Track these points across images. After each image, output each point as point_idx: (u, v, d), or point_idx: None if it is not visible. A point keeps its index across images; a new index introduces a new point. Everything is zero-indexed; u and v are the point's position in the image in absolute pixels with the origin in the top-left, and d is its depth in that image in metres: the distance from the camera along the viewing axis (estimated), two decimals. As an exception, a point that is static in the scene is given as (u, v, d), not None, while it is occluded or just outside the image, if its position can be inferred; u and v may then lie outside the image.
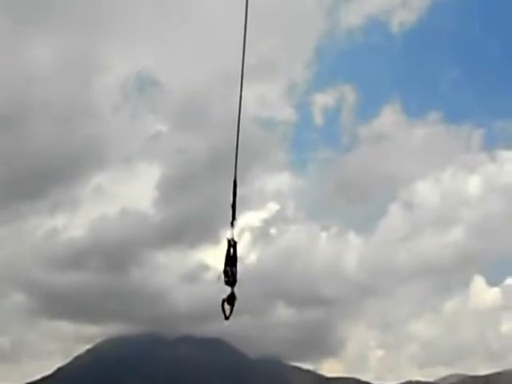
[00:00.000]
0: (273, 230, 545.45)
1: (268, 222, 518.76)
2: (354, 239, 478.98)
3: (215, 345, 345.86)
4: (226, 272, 28.18)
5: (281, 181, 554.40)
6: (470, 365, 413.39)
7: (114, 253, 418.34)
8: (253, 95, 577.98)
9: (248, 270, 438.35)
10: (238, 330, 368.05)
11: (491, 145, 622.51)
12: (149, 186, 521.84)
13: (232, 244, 27.96)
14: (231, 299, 28.30)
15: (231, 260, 28.11)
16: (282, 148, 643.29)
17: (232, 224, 27.63)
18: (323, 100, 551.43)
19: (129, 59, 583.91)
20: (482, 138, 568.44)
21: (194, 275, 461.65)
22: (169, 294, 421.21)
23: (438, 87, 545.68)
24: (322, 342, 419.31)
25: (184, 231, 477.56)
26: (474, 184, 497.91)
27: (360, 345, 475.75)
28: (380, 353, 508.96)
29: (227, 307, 28.58)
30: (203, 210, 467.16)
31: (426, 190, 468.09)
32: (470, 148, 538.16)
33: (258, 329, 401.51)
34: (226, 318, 28.40)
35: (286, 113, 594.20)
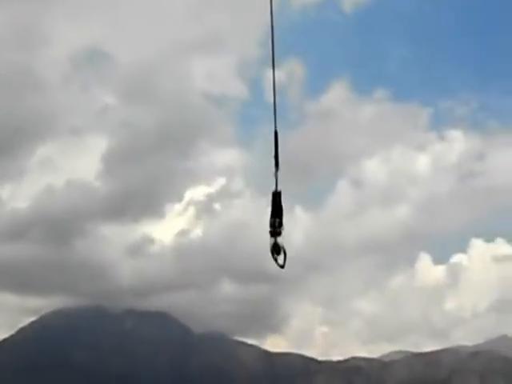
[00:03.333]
0: (219, 205, 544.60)
1: (214, 197, 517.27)
2: (301, 215, 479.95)
3: (160, 318, 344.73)
4: (272, 223, 27.10)
5: (229, 156, 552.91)
6: (414, 342, 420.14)
7: (59, 225, 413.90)
8: (204, 71, 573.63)
9: (193, 244, 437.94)
10: (183, 304, 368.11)
11: (438, 124, 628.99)
12: (95, 158, 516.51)
13: (276, 195, 27.26)
14: (276, 249, 26.91)
15: (276, 211, 27.23)
16: (232, 123, 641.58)
17: (275, 175, 26.91)
18: (275, 75, 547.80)
19: (78, 31, 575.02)
20: (430, 116, 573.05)
21: (139, 248, 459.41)
22: (114, 267, 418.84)
23: (386, 65, 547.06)
24: (266, 317, 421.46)
25: (129, 204, 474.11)
26: (421, 162, 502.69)
27: (305, 321, 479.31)
28: (324, 329, 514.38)
29: (278, 256, 27.24)
30: (149, 183, 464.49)
31: (373, 168, 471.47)
32: (417, 126, 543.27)
33: (203, 303, 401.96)
34: (281, 266, 26.99)
35: (237, 89, 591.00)
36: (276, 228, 27.10)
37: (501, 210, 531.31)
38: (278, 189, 27.11)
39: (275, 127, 27.54)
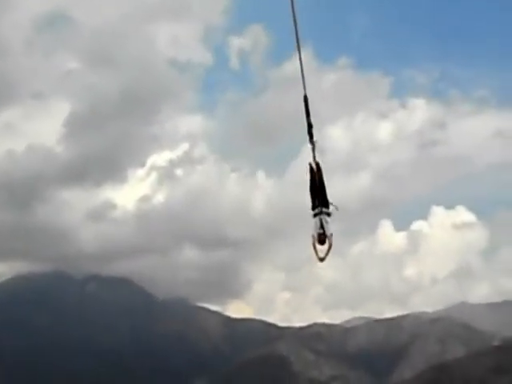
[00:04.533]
0: (181, 170, 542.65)
1: (176, 162, 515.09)
2: (263, 181, 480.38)
3: (122, 284, 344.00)
4: (314, 204, 23.92)
5: (193, 122, 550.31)
6: (375, 308, 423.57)
7: (20, 190, 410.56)
8: (168, 37, 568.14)
9: (155, 209, 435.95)
10: (145, 269, 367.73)
11: (400, 92, 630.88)
12: (57, 123, 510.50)
13: (315, 168, 23.91)
14: (321, 238, 23.94)
15: (317, 188, 23.88)
16: (196, 90, 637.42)
17: (311, 143, 24.06)
18: (238, 43, 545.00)
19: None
20: (392, 85, 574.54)
21: (101, 214, 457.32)
22: (75, 232, 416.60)
23: (349, 35, 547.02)
24: (229, 283, 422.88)
25: (91, 169, 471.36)
26: (383, 130, 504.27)
27: (266, 287, 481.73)
28: (286, 295, 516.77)
29: (320, 248, 24.29)
30: (111, 148, 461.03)
31: (336, 135, 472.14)
32: (379, 95, 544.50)
33: (166, 269, 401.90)
34: (321, 259, 24.14)
35: (201, 55, 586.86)
36: (321, 210, 23.83)
37: (461, 178, 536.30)
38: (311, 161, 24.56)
39: (305, 91, 24.56)
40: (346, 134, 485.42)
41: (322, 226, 23.74)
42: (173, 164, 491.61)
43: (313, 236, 23.89)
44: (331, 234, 23.71)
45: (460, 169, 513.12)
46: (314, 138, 23.84)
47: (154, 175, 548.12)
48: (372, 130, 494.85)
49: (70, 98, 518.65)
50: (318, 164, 23.90)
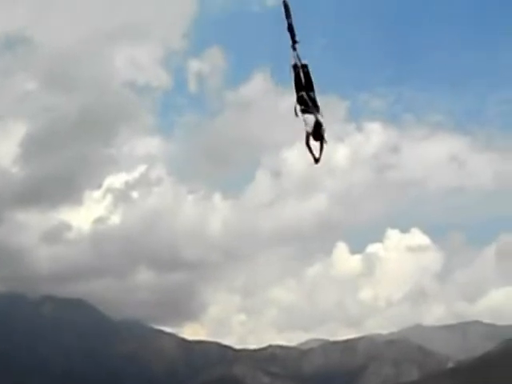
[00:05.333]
0: (137, 192, 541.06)
1: (132, 184, 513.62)
2: (220, 203, 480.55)
3: (77, 305, 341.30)
4: (301, 98, 22.15)
5: (151, 144, 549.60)
6: (330, 330, 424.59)
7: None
8: (127, 59, 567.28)
9: (111, 231, 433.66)
10: (100, 291, 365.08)
11: (356, 116, 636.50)
12: (14, 143, 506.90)
13: (299, 67, 22.25)
14: (317, 130, 22.19)
15: (304, 85, 22.20)
16: (155, 112, 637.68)
17: (294, 47, 22.29)
18: (197, 66, 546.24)
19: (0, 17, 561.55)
20: (348, 109, 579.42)
21: (56, 235, 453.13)
22: (31, 253, 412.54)
23: (306, 58, 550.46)
24: (184, 305, 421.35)
25: (47, 190, 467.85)
26: (339, 154, 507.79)
27: (222, 309, 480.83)
28: (242, 317, 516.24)
29: (314, 144, 22.68)
30: (68, 169, 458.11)
31: (292, 158, 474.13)
32: (336, 118, 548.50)
33: (121, 291, 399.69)
34: (316, 160, 22.56)
35: (161, 78, 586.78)
36: (311, 105, 22.26)
37: (416, 202, 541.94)
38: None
39: None
40: (303, 158, 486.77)
41: (317, 120, 22.18)
42: (129, 186, 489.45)
43: (307, 132, 22.48)
44: (324, 134, 22.43)
45: (414, 192, 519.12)
46: (297, 42, 22.31)
47: (109, 197, 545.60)
48: (328, 153, 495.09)
49: (27, 118, 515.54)
50: (303, 64, 22.35)
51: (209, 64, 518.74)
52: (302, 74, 22.64)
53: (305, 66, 22.63)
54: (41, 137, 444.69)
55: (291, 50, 22.56)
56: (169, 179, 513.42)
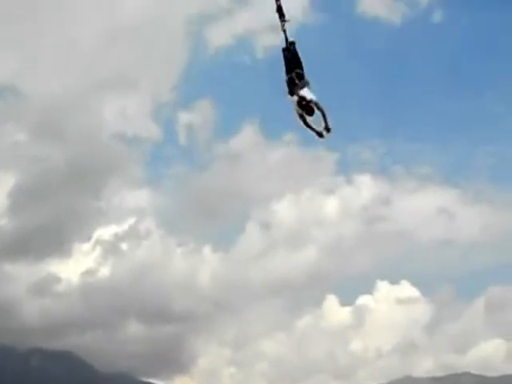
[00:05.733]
0: (126, 245, 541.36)
1: (121, 237, 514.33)
2: (209, 255, 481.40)
3: (66, 358, 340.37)
4: (290, 80, 22.17)
5: (140, 196, 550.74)
6: (320, 382, 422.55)
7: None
8: (116, 110, 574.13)
9: (100, 283, 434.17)
10: (89, 343, 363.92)
11: (346, 168, 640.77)
12: (1, 194, 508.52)
13: (288, 45, 22.34)
14: (307, 104, 21.73)
15: (293, 64, 22.29)
16: (144, 164, 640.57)
17: (283, 29, 22.31)
18: (187, 118, 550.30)
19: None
20: (338, 161, 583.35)
21: (45, 287, 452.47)
22: (18, 305, 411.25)
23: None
24: (174, 358, 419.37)
25: (35, 242, 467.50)
26: (329, 206, 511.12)
27: (212, 361, 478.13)
28: (232, 370, 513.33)
29: (310, 121, 22.03)
30: (57, 221, 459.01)
31: (282, 210, 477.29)
32: (325, 171, 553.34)
33: (110, 343, 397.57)
34: (325, 131, 21.95)
35: (150, 130, 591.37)
36: (296, 79, 21.96)
37: (405, 254, 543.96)
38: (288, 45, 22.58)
39: None
40: (292, 210, 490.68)
41: (302, 100, 21.72)
42: (118, 238, 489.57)
43: (299, 115, 21.89)
44: (316, 102, 21.71)
45: (404, 244, 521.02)
46: (286, 21, 22.26)
47: (99, 249, 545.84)
48: (318, 205, 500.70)
49: (16, 169, 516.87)
50: (291, 42, 22.37)
51: (198, 116, 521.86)
52: (290, 55, 22.57)
53: (292, 44, 22.73)
54: (30, 188, 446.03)
55: (282, 32, 22.42)
56: (158, 232, 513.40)
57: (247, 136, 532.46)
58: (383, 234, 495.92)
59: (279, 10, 22.51)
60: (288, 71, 22.56)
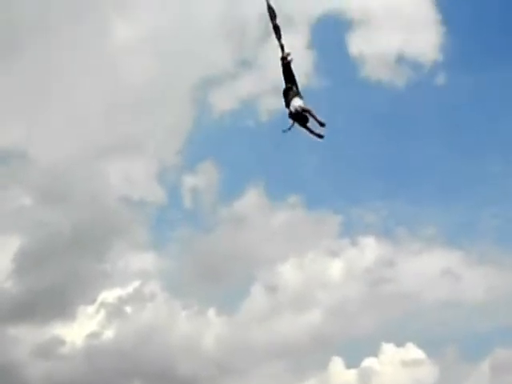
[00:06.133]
0: (130, 308, 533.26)
1: (126, 299, 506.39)
2: (214, 319, 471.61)
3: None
4: (287, 90, 21.34)
5: (144, 259, 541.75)
6: None
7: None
8: (121, 174, 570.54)
9: (104, 346, 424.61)
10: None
11: (350, 231, 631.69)
12: (7, 258, 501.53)
13: (284, 58, 21.54)
14: (303, 114, 20.65)
15: (289, 78, 21.61)
16: (149, 228, 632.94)
17: (279, 41, 21.53)
18: (191, 181, 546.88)
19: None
20: (342, 223, 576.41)
21: (49, 350, 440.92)
22: (22, 368, 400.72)
23: (299, 173, 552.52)
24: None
25: (40, 305, 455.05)
26: (334, 268, 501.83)
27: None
28: None
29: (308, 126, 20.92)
30: (61, 284, 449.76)
31: (287, 273, 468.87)
32: (330, 233, 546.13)
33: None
34: (320, 136, 20.98)
35: (155, 194, 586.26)
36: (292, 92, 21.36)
37: (410, 315, 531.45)
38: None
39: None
40: (297, 272, 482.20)
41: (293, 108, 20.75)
42: (122, 301, 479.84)
43: (291, 115, 20.92)
44: (303, 108, 20.83)
45: (409, 306, 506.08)
46: (283, 40, 21.69)
47: (103, 312, 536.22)
48: (322, 268, 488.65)
49: (21, 233, 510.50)
50: (286, 56, 21.63)
51: (202, 179, 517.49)
52: (290, 65, 21.92)
53: (287, 56, 21.81)
54: (34, 252, 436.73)
55: (278, 43, 21.78)
56: (162, 294, 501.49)
57: (251, 198, 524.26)
58: (388, 295, 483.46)
59: (276, 30, 21.54)
60: (287, 82, 21.62)
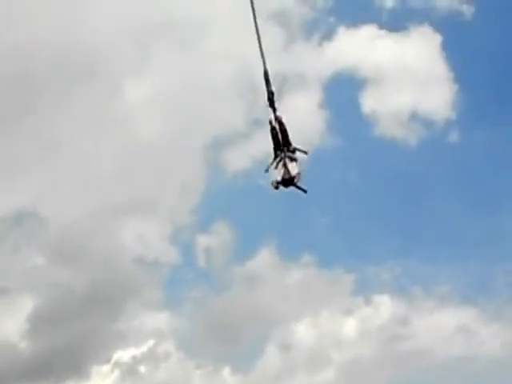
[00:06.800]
0: (144, 367, 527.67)
1: (140, 359, 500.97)
2: (229, 378, 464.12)
3: None
4: (276, 157, 20.84)
5: (159, 319, 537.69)
6: None
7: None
8: (135, 234, 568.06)
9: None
10: None
11: (364, 289, 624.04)
12: (21, 318, 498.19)
13: (276, 123, 21.09)
14: (288, 178, 20.45)
15: (281, 142, 20.97)
16: (163, 288, 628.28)
17: (272, 105, 20.87)
18: (205, 241, 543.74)
19: (9, 192, 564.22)
20: (356, 282, 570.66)
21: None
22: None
23: (312, 232, 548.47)
24: None
25: (54, 365, 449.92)
26: (348, 326, 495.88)
27: None
28: None
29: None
30: (76, 344, 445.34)
31: (301, 332, 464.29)
32: (343, 291, 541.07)
33: None
34: (305, 190, 20.77)
35: (168, 253, 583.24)
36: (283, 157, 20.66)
37: (425, 372, 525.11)
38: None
39: (265, 67, 21.45)
40: (311, 331, 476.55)
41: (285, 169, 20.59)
42: (136, 360, 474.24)
43: (275, 182, 20.69)
44: (299, 173, 20.47)
45: (424, 363, 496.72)
46: (276, 105, 21.03)
47: (117, 372, 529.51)
48: (336, 326, 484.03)
49: (35, 293, 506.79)
50: (280, 119, 21.02)
51: (216, 239, 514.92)
52: (278, 131, 21.30)
53: (280, 122, 21.31)
54: (48, 312, 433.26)
55: (269, 106, 21.25)
56: (177, 354, 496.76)
57: (264, 258, 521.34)
58: (402, 353, 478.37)
59: (270, 96, 20.81)
60: (276, 149, 21.05)
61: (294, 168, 20.76)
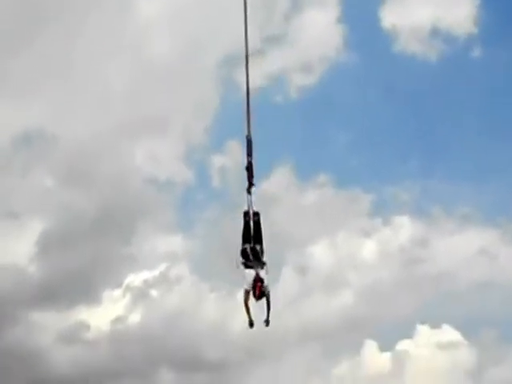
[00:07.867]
0: (156, 291, 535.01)
1: (152, 283, 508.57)
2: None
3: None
4: (244, 252, 19.87)
5: (171, 242, 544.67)
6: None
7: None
8: (147, 154, 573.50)
9: (130, 331, 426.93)
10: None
11: (382, 210, 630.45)
12: (30, 241, 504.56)
13: (251, 217, 20.26)
14: (258, 286, 19.45)
15: (252, 237, 20.11)
16: (176, 209, 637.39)
17: (249, 191, 20.34)
18: (219, 161, 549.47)
19: (19, 112, 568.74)
20: (374, 202, 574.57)
21: (74, 335, 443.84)
22: (47, 354, 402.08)
23: (329, 151, 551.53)
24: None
25: (64, 289, 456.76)
26: (366, 249, 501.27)
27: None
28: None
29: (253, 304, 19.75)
30: (86, 268, 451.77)
31: (318, 254, 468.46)
32: (361, 212, 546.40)
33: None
34: (251, 324, 19.65)
35: (181, 174, 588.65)
36: (253, 260, 19.80)
37: (446, 296, 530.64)
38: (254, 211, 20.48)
39: (249, 132, 21.36)
40: (328, 253, 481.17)
41: (257, 279, 19.39)
42: (148, 284, 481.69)
43: (245, 290, 19.41)
44: (268, 291, 19.62)
45: (444, 286, 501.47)
46: (253, 185, 20.17)
47: (129, 296, 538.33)
48: (354, 248, 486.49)
49: (44, 216, 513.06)
50: (256, 213, 20.17)
51: (230, 158, 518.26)
52: (251, 224, 20.30)
53: (256, 215, 20.34)
54: (58, 234, 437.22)
55: (246, 193, 20.27)
56: (190, 277, 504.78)
57: (280, 178, 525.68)
58: (422, 276, 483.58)
59: (249, 168, 20.43)
60: (246, 241, 19.96)
61: (263, 273, 19.66)
